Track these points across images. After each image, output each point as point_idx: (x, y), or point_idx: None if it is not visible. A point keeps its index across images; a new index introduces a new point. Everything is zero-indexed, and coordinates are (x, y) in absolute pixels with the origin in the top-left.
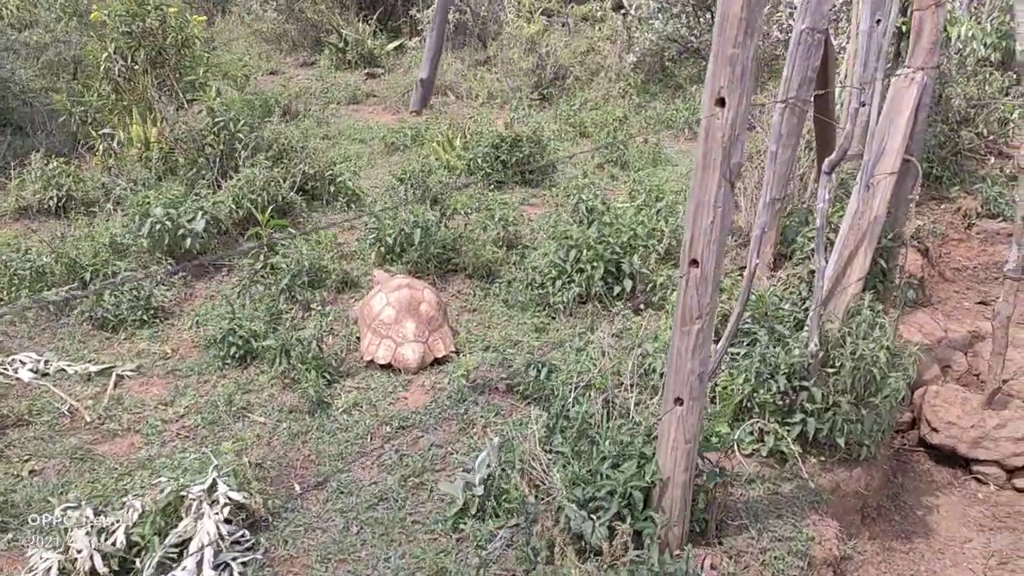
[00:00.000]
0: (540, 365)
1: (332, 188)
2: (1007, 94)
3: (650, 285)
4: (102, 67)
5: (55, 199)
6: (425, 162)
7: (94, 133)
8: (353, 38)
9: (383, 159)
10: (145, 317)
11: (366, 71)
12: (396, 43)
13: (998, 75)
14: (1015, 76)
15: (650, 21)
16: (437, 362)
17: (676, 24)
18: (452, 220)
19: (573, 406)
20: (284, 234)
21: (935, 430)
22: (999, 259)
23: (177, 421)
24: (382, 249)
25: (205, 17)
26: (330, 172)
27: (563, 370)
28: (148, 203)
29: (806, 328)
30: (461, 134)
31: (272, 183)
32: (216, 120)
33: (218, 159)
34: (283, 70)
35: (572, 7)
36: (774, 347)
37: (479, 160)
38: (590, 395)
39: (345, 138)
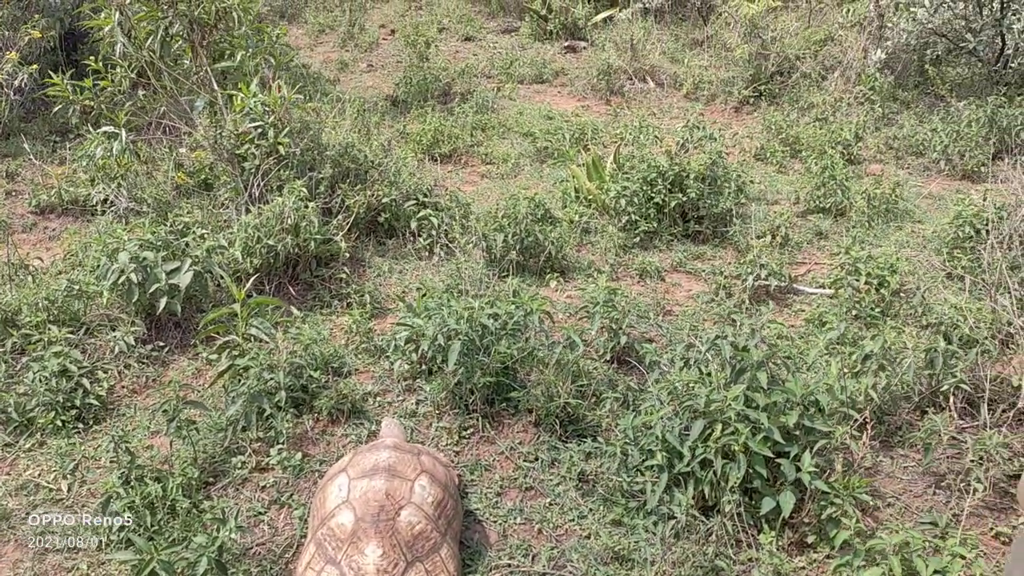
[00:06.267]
0: None
1: (415, 224)
2: None
3: (825, 509)
4: (117, 45)
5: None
6: (563, 188)
7: (91, 132)
8: (558, 4)
9: (532, 167)
10: (64, 419)
11: (567, 43)
12: (605, 14)
13: None
14: None
15: (912, 8)
16: None
17: (948, 14)
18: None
19: None
20: (274, 319)
21: None
22: None
23: None
24: (414, 358)
25: None
26: (414, 201)
27: None
28: (117, 242)
29: None
30: (614, 155)
31: (305, 222)
32: (255, 124)
33: (252, 178)
34: (481, 36)
35: None
36: None
37: (623, 201)
38: None
39: (504, 131)
